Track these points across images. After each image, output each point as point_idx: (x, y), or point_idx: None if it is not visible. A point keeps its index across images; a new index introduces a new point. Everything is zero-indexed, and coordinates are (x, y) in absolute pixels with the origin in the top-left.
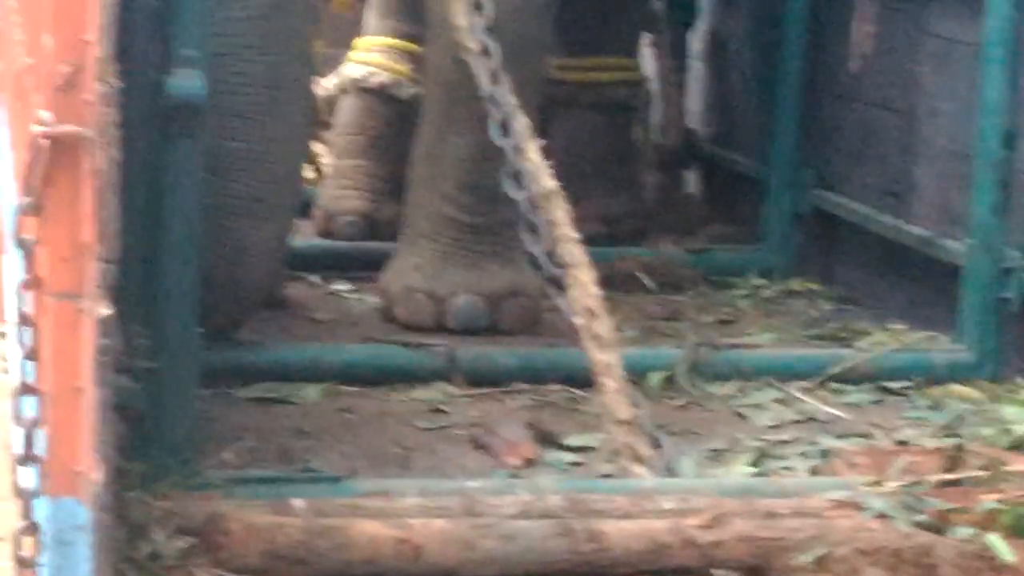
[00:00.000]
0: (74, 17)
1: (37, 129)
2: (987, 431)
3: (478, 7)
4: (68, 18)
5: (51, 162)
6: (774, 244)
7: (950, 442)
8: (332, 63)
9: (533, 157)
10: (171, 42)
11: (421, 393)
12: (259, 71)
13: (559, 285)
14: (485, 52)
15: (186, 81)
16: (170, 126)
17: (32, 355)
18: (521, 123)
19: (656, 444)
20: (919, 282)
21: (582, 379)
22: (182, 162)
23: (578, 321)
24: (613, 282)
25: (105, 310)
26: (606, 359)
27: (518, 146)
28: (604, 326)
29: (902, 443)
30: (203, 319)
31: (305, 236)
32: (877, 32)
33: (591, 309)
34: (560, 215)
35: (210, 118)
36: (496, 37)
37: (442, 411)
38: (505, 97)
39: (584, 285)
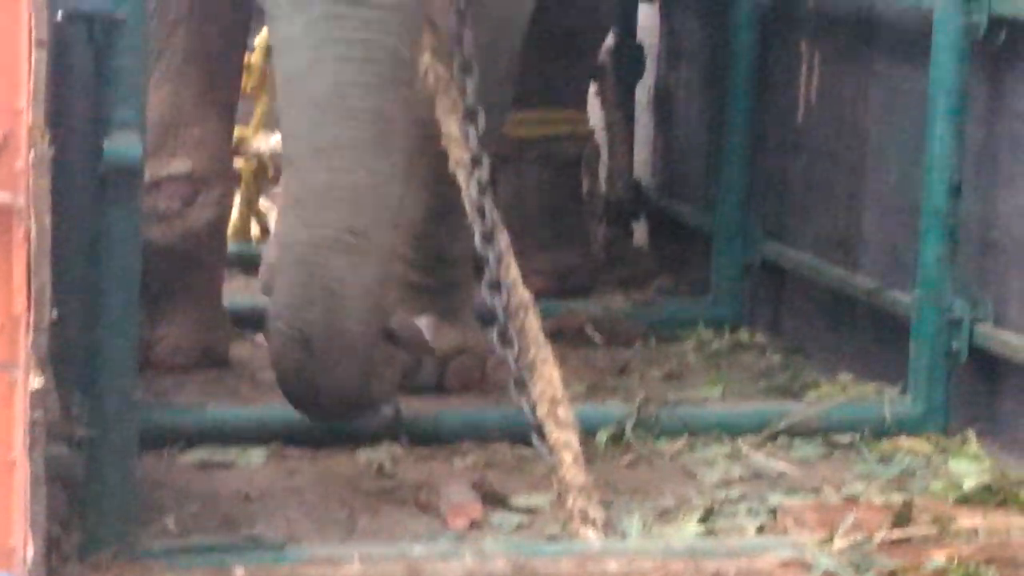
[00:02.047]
0: (4, 85)
1: None
2: (936, 485)
3: (472, 118)
4: None
5: None
6: (722, 296)
7: (899, 497)
8: (275, 117)
9: (512, 271)
10: (107, 105)
11: (367, 454)
12: (368, 107)
13: (522, 386)
14: (477, 163)
15: (123, 144)
16: (107, 191)
17: None
18: (504, 237)
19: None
20: (867, 333)
21: (530, 437)
22: (119, 227)
23: (542, 410)
24: (561, 336)
25: (38, 381)
26: (565, 437)
27: (499, 257)
28: (565, 411)
29: (851, 498)
30: (300, 403)
31: (249, 293)
32: (823, 82)
33: (555, 398)
34: (531, 324)
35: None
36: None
37: (388, 473)
38: (492, 210)
39: (550, 379)
